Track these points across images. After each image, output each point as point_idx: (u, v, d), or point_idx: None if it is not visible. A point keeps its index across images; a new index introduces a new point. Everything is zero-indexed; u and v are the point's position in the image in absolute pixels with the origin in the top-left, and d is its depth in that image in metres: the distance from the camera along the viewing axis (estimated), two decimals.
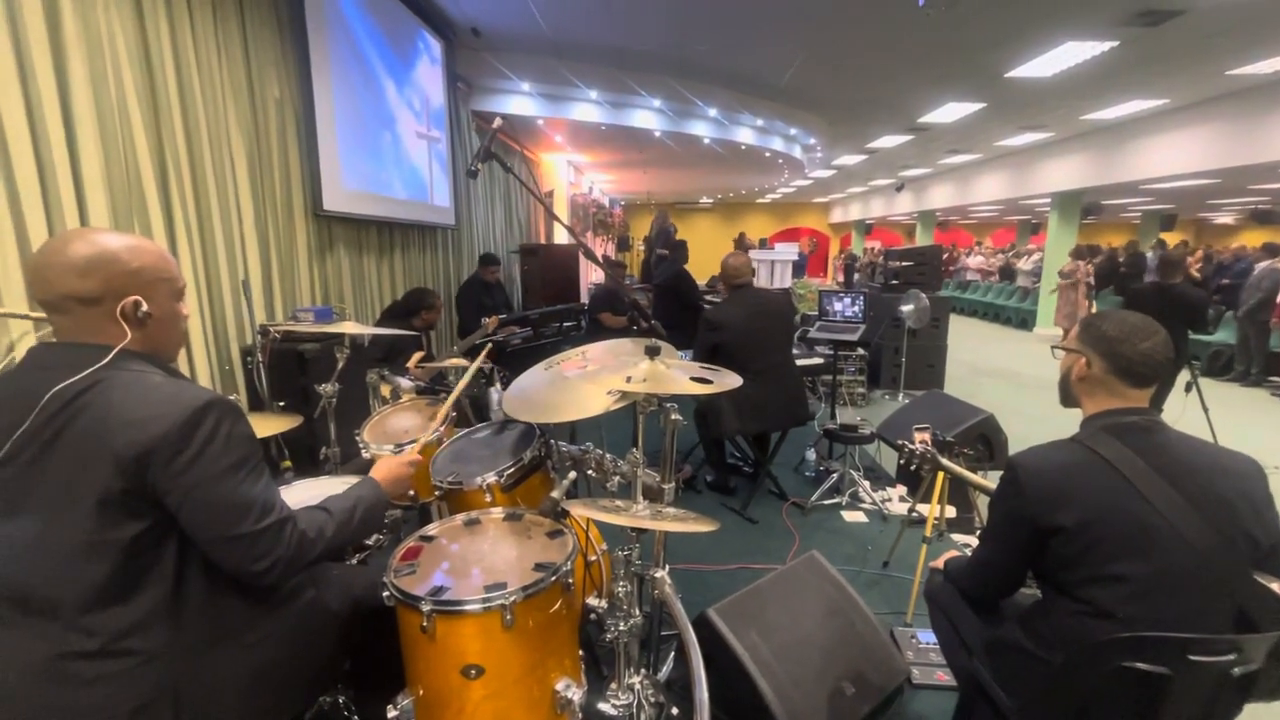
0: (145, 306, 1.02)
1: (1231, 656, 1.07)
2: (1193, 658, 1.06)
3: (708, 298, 6.46)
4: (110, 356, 0.97)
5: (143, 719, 0.95)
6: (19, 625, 0.95)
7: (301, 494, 1.70)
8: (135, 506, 0.95)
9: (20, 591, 0.95)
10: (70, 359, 0.96)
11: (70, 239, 0.99)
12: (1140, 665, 1.08)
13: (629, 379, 1.36)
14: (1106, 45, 5.44)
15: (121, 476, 0.92)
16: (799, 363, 4.35)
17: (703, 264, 9.35)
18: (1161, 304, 3.90)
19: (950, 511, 3.06)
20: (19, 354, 1.81)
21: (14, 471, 0.94)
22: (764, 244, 12.69)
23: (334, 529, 1.13)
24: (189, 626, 1.01)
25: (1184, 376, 3.99)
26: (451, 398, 1.86)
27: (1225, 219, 19.60)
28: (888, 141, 10.54)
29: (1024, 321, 11.57)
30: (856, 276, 13.45)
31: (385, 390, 2.39)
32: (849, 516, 3.37)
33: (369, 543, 1.70)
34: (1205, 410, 3.98)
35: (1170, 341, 1.25)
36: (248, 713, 1.07)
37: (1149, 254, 10.52)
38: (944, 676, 2.04)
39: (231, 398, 1.08)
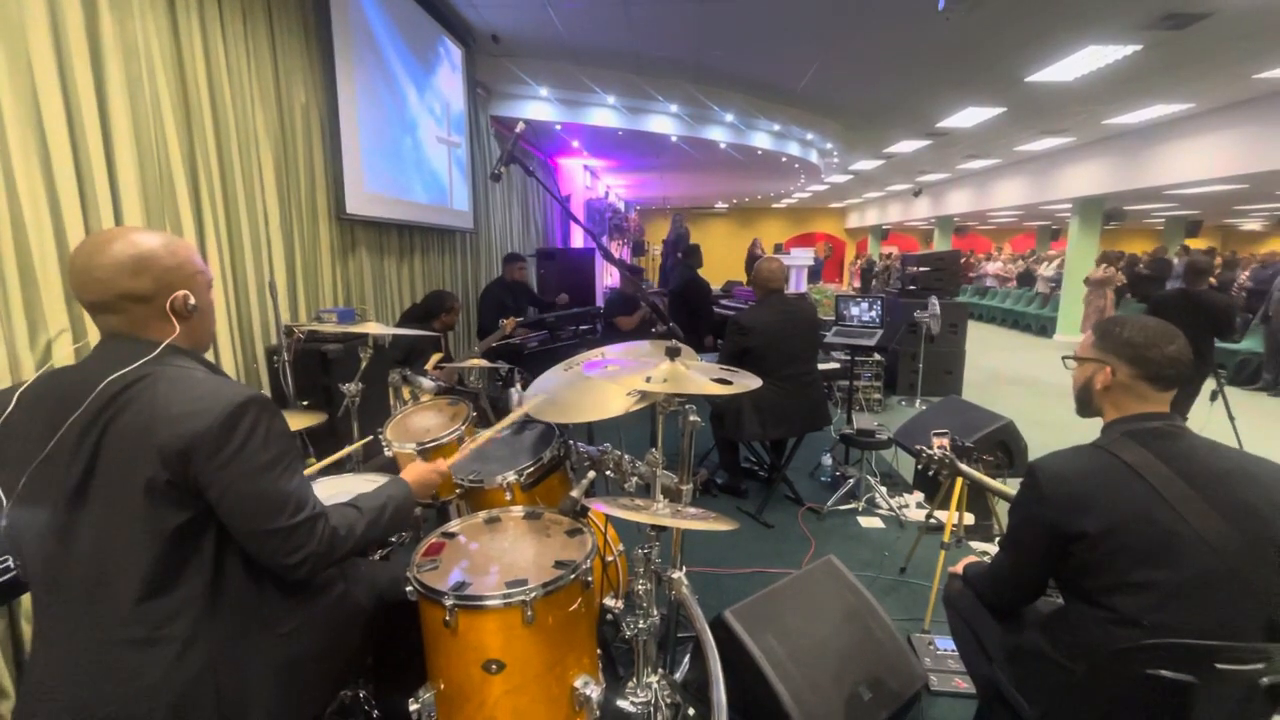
0: (192, 300, 1.06)
1: (1260, 666, 1.05)
2: (1220, 666, 1.05)
3: (722, 302, 6.47)
4: (159, 351, 1.01)
5: (185, 707, 0.98)
6: (70, 616, 0.98)
7: (326, 490, 1.74)
8: (178, 498, 0.98)
9: (75, 580, 0.98)
10: (128, 353, 1.00)
11: (109, 240, 1.02)
12: (1165, 673, 1.07)
13: (649, 379, 1.37)
14: (1130, 49, 5.38)
15: (165, 468, 0.95)
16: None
17: (718, 269, 9.34)
18: (1188, 310, 3.83)
19: (969, 518, 3.03)
20: (56, 352, 1.87)
21: (67, 459, 0.97)
22: (779, 249, 12.67)
23: (364, 527, 1.16)
24: (227, 615, 1.03)
25: (1209, 385, 3.92)
26: (488, 434, 1.80)
27: (1253, 225, 19.20)
28: (905, 146, 10.48)
29: (1044, 328, 11.42)
30: (873, 282, 13.37)
31: (406, 391, 2.42)
32: (865, 522, 3.34)
33: (392, 539, 1.73)
34: (1231, 419, 3.91)
35: (1188, 344, 1.23)
36: (279, 702, 1.09)
37: (1175, 260, 10.33)
38: (962, 683, 2.02)
39: None
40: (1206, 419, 3.74)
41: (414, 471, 1.41)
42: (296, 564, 1.03)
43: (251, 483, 0.99)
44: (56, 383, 1.03)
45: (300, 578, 1.07)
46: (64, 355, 1.89)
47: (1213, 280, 8.03)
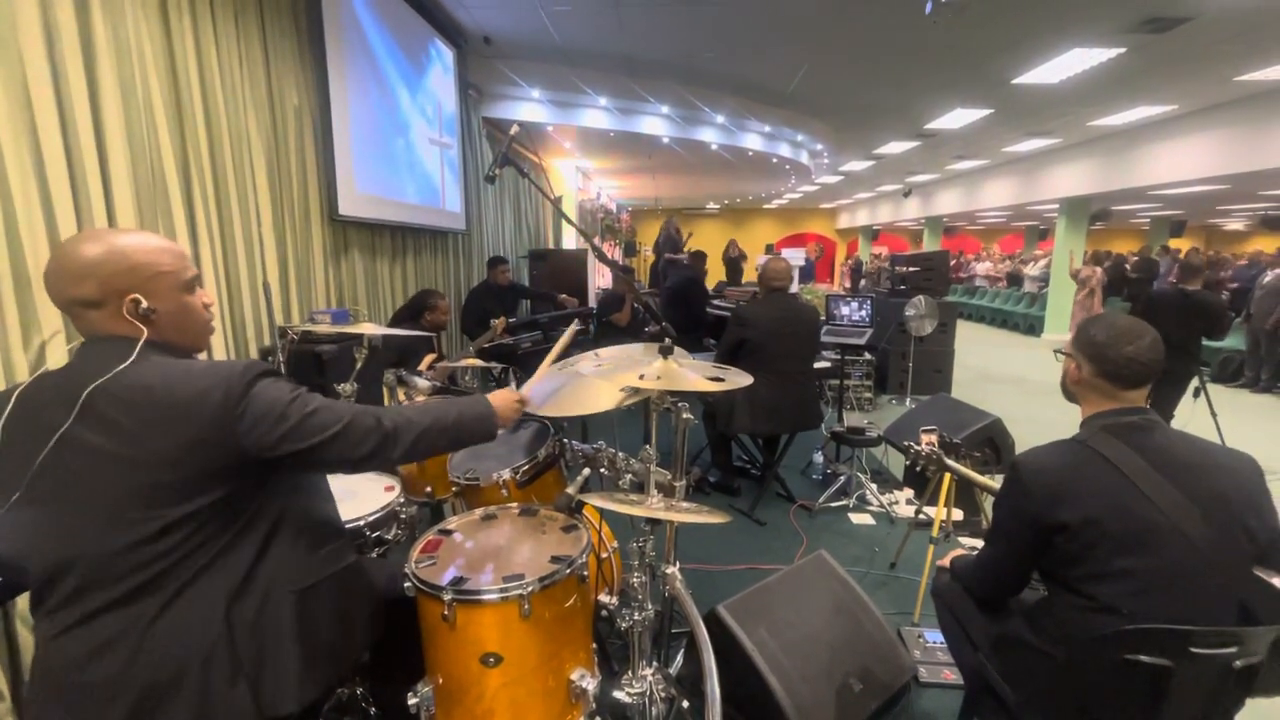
0: (146, 303, 1.03)
1: (1233, 649, 1.09)
2: (1195, 650, 1.08)
3: (715, 302, 6.51)
4: (136, 354, 1.01)
5: (210, 669, 1.01)
6: (91, 599, 0.99)
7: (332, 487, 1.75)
8: (197, 483, 1.00)
9: (92, 568, 0.99)
10: (107, 353, 1.01)
11: (71, 243, 1.03)
12: (1143, 658, 1.11)
13: (642, 376, 1.39)
14: (1114, 52, 5.46)
15: (191, 452, 0.98)
16: None
17: (708, 269, 9.37)
18: (1182, 309, 3.89)
19: (957, 514, 3.08)
20: (50, 353, 1.88)
21: (67, 459, 0.98)
22: (770, 249, 12.75)
23: (429, 419, 1.20)
24: (245, 572, 1.06)
25: (1193, 382, 3.99)
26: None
27: (1236, 225, 19.47)
28: (895, 147, 10.57)
29: (1031, 327, 11.55)
30: (863, 282, 13.46)
31: (401, 391, 2.43)
32: (856, 519, 3.39)
33: (387, 537, 1.74)
34: (1214, 415, 3.98)
35: (1159, 343, 1.27)
36: (287, 662, 1.10)
37: (1158, 260, 10.47)
38: (950, 675, 2.06)
39: None
40: (1190, 415, 3.82)
41: (498, 395, 1.39)
42: (368, 454, 1.11)
43: (289, 423, 1.03)
44: (45, 386, 1.04)
45: (379, 465, 1.16)
46: (58, 357, 1.89)
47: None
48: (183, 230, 2.46)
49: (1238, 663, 1.10)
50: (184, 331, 1.12)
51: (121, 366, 0.99)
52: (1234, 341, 7.42)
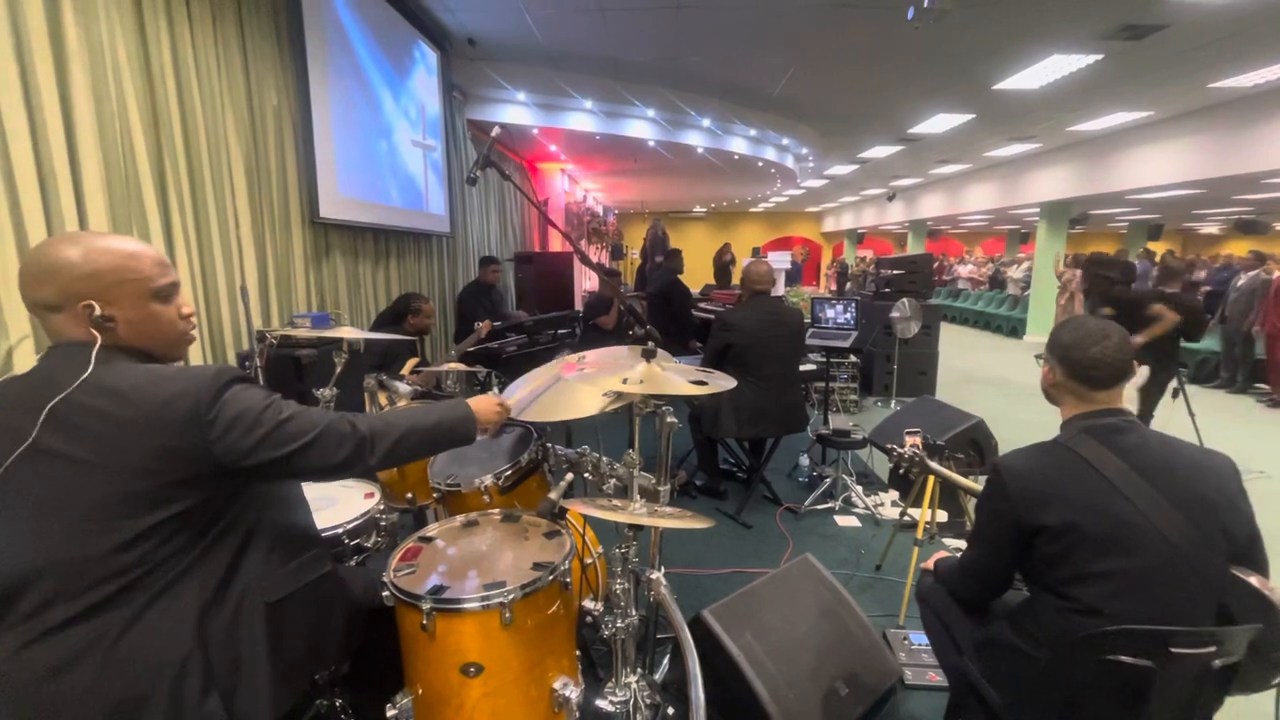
0: (100, 310, 1.00)
1: (1212, 649, 1.10)
2: (1174, 650, 1.09)
3: (702, 305, 6.51)
4: (93, 361, 0.97)
5: (182, 680, 0.98)
6: (65, 625, 0.96)
7: (309, 494, 1.71)
8: (168, 492, 0.97)
9: (52, 587, 0.96)
10: (67, 360, 0.98)
11: (45, 244, 1.02)
12: (1124, 659, 1.11)
13: (625, 380, 1.38)
14: (1092, 58, 5.56)
15: (164, 460, 0.96)
16: None
17: (695, 273, 9.39)
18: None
19: (941, 515, 3.10)
20: (17, 360, 1.83)
21: (30, 471, 0.95)
22: (756, 252, 12.80)
23: (405, 423, 1.19)
24: (217, 586, 1.04)
25: (1172, 383, 4.05)
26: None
27: (1211, 228, 19.87)
28: (879, 152, 10.66)
29: (1014, 329, 11.68)
30: (849, 285, 13.56)
31: (382, 396, 2.40)
32: (842, 521, 3.39)
33: (367, 545, 1.71)
34: (1191, 415, 4.04)
35: (1126, 343, 1.28)
36: (260, 673, 1.08)
37: (1137, 263, 10.63)
38: (936, 677, 2.06)
39: None
40: (1169, 415, 3.87)
41: (478, 400, 1.37)
42: (345, 460, 1.09)
43: (262, 430, 1.01)
44: (10, 391, 1.01)
45: (358, 472, 1.14)
46: (26, 362, 1.84)
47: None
48: (157, 233, 2.41)
49: (1216, 662, 1.10)
50: (152, 340, 1.08)
51: (80, 380, 0.96)
52: (1210, 343, 7.55)
